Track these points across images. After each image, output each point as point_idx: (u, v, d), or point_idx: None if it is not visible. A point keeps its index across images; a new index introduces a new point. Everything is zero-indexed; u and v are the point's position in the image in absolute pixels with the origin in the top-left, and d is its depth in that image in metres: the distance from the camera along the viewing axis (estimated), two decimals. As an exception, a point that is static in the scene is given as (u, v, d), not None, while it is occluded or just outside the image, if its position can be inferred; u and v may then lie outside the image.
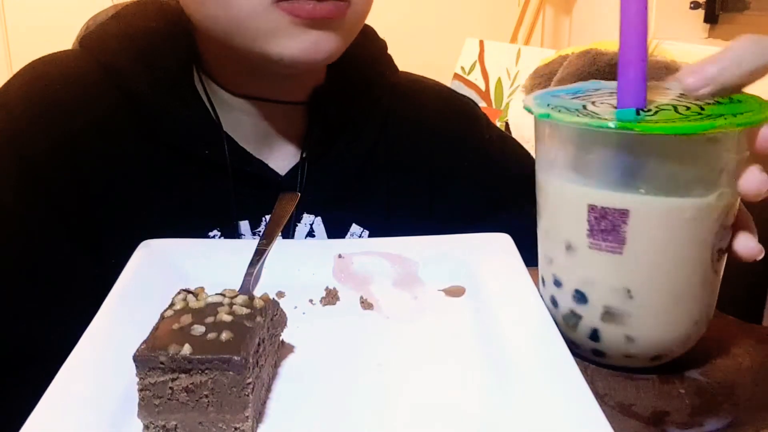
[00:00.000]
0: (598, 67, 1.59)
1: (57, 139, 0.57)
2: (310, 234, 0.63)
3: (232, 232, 0.60)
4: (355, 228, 0.64)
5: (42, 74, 0.61)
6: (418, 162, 0.69)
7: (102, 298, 0.46)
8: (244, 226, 0.61)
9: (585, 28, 2.60)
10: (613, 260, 0.41)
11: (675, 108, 0.39)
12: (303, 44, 0.52)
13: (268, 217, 0.61)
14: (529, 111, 0.42)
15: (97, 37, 0.61)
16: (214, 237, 0.59)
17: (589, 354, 0.44)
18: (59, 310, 0.55)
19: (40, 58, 0.63)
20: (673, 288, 0.41)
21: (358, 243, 0.57)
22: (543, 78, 1.73)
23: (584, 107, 0.41)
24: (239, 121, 0.61)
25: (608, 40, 1.66)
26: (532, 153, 0.49)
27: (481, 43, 2.28)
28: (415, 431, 0.37)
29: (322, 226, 0.63)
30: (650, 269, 0.41)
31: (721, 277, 0.43)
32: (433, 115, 0.71)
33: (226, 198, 0.60)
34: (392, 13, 2.43)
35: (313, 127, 0.64)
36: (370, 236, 0.64)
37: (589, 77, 1.54)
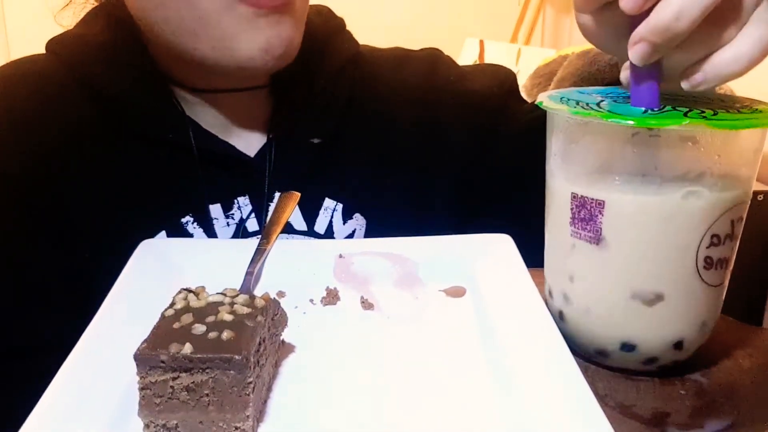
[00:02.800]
0: (598, 67, 1.57)
1: (30, 145, 0.58)
2: None
3: (204, 217, 0.60)
4: (328, 202, 0.64)
5: (10, 80, 0.62)
6: (393, 125, 0.68)
7: (90, 295, 0.46)
8: (216, 210, 0.61)
9: (585, 29, 2.59)
10: (590, 250, 0.41)
11: (687, 111, 0.38)
12: (267, 36, 0.53)
13: (240, 199, 0.61)
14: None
15: (64, 41, 0.62)
16: (186, 223, 0.60)
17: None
18: (44, 307, 0.56)
19: (5, 65, 0.64)
20: (640, 288, 0.41)
21: (358, 243, 0.57)
22: (543, 78, 1.72)
23: (597, 104, 0.41)
24: (202, 112, 0.62)
25: (608, 41, 1.65)
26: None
27: (481, 43, 2.28)
28: (416, 431, 0.37)
29: (295, 203, 0.63)
30: (624, 264, 0.41)
31: (718, 288, 0.42)
32: (397, 75, 0.71)
33: (196, 183, 0.60)
34: (392, 13, 2.43)
35: (278, 107, 0.65)
36: (344, 210, 0.64)
37: (590, 77, 1.54)
